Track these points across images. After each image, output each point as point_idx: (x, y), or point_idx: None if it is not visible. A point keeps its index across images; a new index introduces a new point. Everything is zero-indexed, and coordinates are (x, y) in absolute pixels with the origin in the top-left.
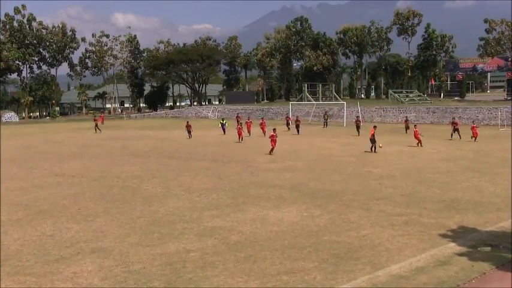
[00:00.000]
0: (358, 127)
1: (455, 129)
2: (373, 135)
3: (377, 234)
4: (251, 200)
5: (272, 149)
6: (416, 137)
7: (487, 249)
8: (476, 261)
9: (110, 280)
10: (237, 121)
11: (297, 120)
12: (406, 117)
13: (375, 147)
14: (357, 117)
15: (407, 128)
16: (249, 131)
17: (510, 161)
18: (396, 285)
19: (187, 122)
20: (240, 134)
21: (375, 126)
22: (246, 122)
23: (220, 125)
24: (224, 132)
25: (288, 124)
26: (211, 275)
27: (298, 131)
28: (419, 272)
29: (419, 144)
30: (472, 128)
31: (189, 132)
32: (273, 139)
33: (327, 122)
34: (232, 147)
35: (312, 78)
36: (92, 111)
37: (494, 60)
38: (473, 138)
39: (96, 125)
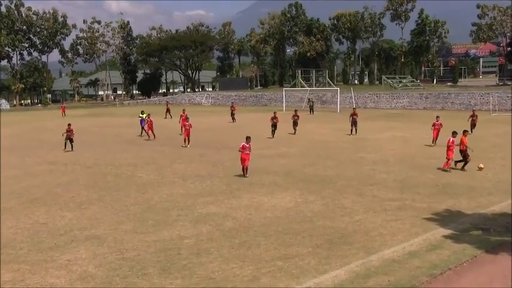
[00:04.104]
0: (295, 123)
1: (354, 122)
2: (465, 145)
3: (370, 219)
4: (245, 186)
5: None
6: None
7: (478, 232)
8: (468, 245)
9: (104, 267)
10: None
11: (274, 118)
12: (474, 110)
13: (466, 163)
14: (295, 111)
15: (473, 125)
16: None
17: (501, 146)
18: (389, 270)
19: (69, 124)
20: (149, 129)
21: (465, 131)
22: (147, 120)
23: (139, 121)
24: (142, 132)
25: (232, 115)
26: (206, 261)
27: (273, 132)
28: (412, 256)
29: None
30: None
31: (70, 139)
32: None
33: (312, 109)
34: (227, 134)
35: (306, 64)
36: (84, 99)
37: (486, 46)
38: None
39: None
